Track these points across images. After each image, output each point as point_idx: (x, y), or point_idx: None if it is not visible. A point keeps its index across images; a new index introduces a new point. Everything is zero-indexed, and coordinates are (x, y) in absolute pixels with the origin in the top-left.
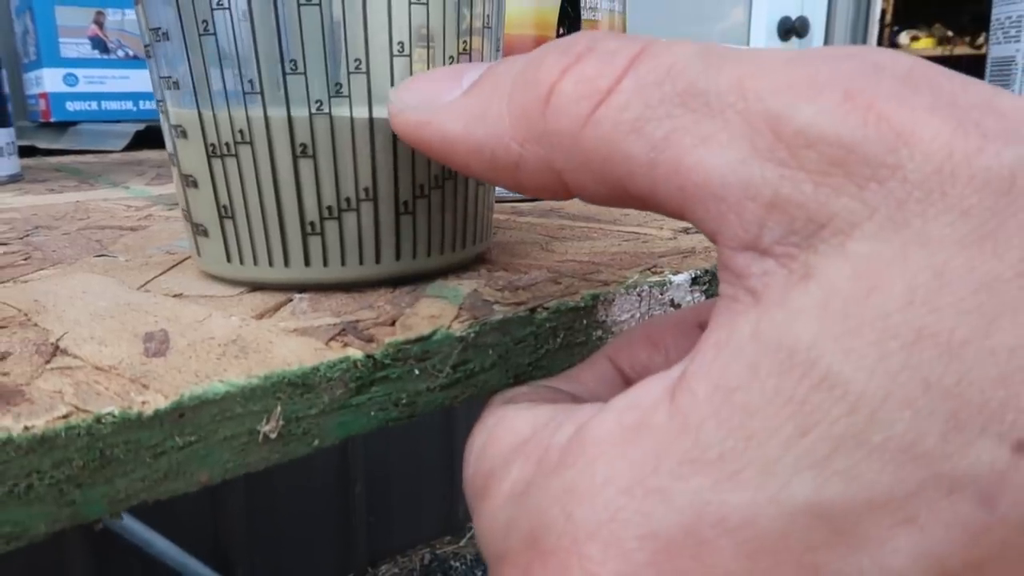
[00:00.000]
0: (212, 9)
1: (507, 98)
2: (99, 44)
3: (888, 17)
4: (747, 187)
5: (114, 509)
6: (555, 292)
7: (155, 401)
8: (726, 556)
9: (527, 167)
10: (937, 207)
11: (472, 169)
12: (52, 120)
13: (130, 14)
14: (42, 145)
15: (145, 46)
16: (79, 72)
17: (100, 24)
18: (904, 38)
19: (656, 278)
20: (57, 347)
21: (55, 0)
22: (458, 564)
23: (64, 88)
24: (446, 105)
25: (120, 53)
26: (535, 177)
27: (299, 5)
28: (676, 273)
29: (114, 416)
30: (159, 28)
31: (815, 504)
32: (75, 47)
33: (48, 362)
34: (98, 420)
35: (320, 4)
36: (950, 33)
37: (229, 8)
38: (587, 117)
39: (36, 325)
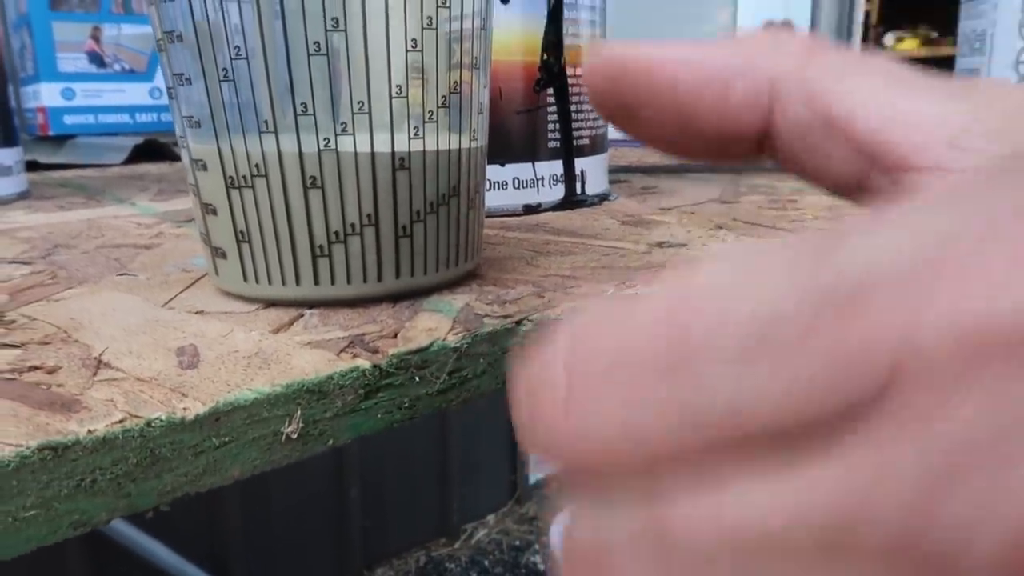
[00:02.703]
0: (232, 59)
1: None
2: (96, 58)
3: (874, 18)
4: None
5: (162, 500)
6: (538, 305)
7: (194, 407)
8: None
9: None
10: None
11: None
12: (50, 134)
13: (126, 29)
14: (42, 159)
15: (168, 88)
16: (76, 86)
17: (97, 39)
18: (890, 39)
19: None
20: (100, 361)
21: (52, 15)
22: (453, 566)
23: (62, 102)
24: None
25: (116, 67)
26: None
27: (309, 55)
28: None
29: (162, 420)
30: (182, 74)
31: None
32: (72, 61)
33: (95, 374)
34: (149, 424)
35: (328, 54)
36: (935, 34)
37: (247, 58)
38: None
39: (77, 341)
